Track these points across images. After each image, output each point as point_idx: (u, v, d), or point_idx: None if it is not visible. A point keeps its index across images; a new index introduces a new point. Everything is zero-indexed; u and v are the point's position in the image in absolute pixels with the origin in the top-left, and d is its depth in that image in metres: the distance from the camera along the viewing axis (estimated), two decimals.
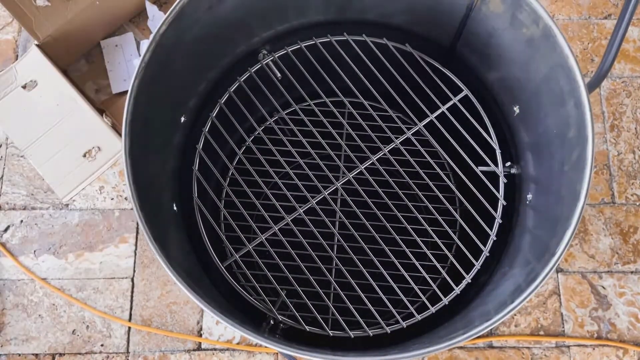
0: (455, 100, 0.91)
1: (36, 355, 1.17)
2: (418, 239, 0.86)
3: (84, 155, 1.23)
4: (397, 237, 0.86)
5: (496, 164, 0.90)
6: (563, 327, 1.17)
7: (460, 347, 1.16)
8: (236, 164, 0.99)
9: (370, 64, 0.90)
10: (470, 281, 0.85)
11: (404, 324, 0.83)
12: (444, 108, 0.91)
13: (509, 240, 0.87)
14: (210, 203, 0.91)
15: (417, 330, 0.84)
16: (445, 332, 0.73)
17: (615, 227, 1.23)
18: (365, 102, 0.92)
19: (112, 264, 1.21)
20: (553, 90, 0.75)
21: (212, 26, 0.82)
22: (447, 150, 0.93)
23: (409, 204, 0.88)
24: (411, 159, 0.89)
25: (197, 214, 0.88)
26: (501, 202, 0.88)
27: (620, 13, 0.76)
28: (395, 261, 0.85)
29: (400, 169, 0.89)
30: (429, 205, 0.88)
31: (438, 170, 0.90)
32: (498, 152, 0.90)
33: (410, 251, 0.86)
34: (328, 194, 0.89)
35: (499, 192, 0.88)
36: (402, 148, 0.90)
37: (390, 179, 0.90)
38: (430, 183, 0.89)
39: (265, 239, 0.87)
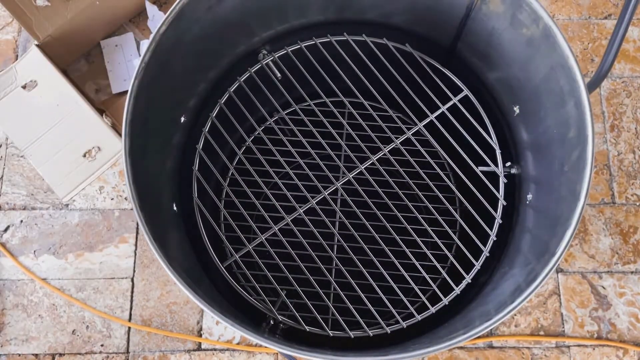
0: (455, 100, 0.91)
1: (36, 355, 1.17)
2: (418, 239, 0.86)
3: (84, 155, 1.23)
4: (397, 237, 0.86)
5: (496, 164, 0.90)
6: (563, 327, 1.17)
7: (460, 347, 1.16)
8: (236, 164, 0.99)
9: (370, 64, 0.90)
10: (470, 281, 0.85)
11: (404, 324, 0.83)
12: (444, 108, 0.91)
13: (509, 241, 0.87)
14: (210, 203, 0.91)
15: (417, 330, 0.84)
16: (445, 332, 0.73)
17: (615, 227, 1.23)
18: (365, 102, 0.92)
19: (112, 264, 1.21)
20: (553, 90, 0.75)
21: (212, 26, 0.82)
22: (447, 150, 0.93)
23: (409, 204, 0.88)
24: (411, 159, 0.89)
25: (197, 214, 0.88)
26: (501, 202, 0.88)
27: (620, 13, 0.75)
28: (395, 261, 0.85)
29: (400, 169, 0.89)
30: (429, 205, 0.88)
31: (438, 170, 0.90)
32: (498, 152, 0.90)
33: (410, 251, 0.86)
34: (328, 194, 0.89)
35: (499, 192, 0.88)
36: (402, 148, 0.90)
37: (390, 179, 0.90)
38: (430, 183, 0.89)
39: (265, 239, 0.87)
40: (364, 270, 0.85)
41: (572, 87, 0.71)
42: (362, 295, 0.84)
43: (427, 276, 0.85)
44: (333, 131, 0.92)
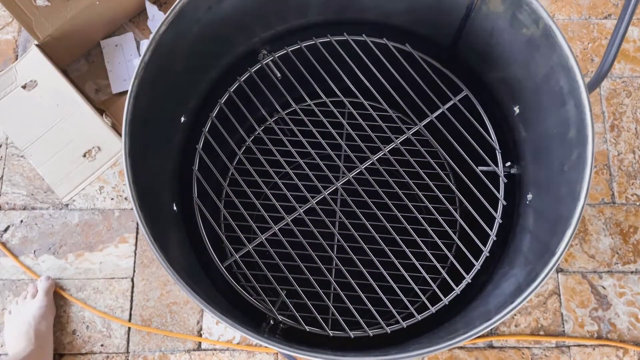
0: (455, 100, 0.91)
1: None
2: (418, 239, 0.86)
3: (84, 155, 1.23)
4: (397, 237, 0.86)
5: (496, 164, 0.90)
6: (563, 327, 1.17)
7: (460, 347, 1.16)
8: (236, 164, 0.99)
9: (370, 64, 0.90)
10: (470, 281, 0.85)
11: (404, 324, 0.83)
12: (444, 108, 0.91)
13: (509, 240, 0.87)
14: (210, 203, 0.91)
15: (417, 330, 0.84)
16: (445, 332, 0.73)
17: (615, 227, 1.23)
18: (365, 102, 0.92)
19: (112, 264, 1.21)
20: (553, 90, 0.75)
21: (212, 26, 0.82)
22: (447, 150, 0.93)
23: (409, 204, 0.88)
24: (411, 159, 0.89)
25: (197, 214, 0.88)
26: (501, 202, 0.88)
27: (620, 13, 0.75)
28: (395, 261, 0.85)
29: (400, 169, 0.89)
30: (429, 205, 0.88)
31: (438, 170, 0.90)
32: (498, 152, 0.90)
33: (410, 251, 0.86)
34: (328, 194, 0.89)
35: (499, 192, 0.88)
36: (402, 148, 0.90)
37: (390, 179, 0.90)
38: (430, 183, 0.89)
39: (265, 239, 0.87)
40: (364, 270, 0.85)
41: (572, 87, 0.71)
42: (362, 295, 0.84)
43: (427, 276, 0.85)
44: (333, 131, 0.92)
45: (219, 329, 1.18)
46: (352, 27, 0.93)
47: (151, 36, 0.74)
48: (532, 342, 1.16)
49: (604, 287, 1.19)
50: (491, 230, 0.87)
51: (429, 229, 0.86)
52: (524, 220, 0.85)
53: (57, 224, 1.24)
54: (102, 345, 1.17)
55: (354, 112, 0.93)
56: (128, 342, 1.17)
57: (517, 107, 0.86)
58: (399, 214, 0.88)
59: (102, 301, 1.19)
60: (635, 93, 1.32)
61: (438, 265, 0.85)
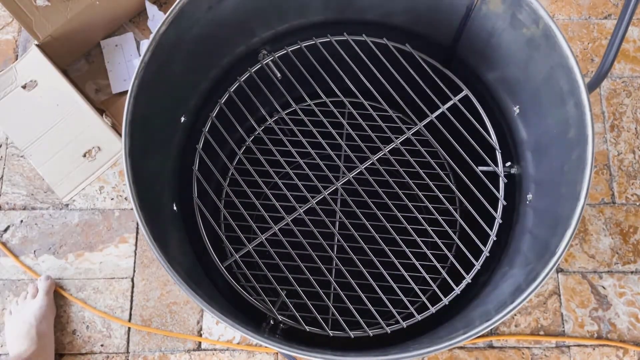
0: (455, 100, 0.91)
1: None
2: (418, 239, 0.86)
3: (84, 155, 1.23)
4: (397, 237, 0.86)
5: (496, 164, 0.90)
6: (563, 327, 1.17)
7: (460, 347, 1.16)
8: (236, 164, 0.99)
9: (370, 64, 0.90)
10: (470, 281, 0.85)
11: (404, 324, 0.83)
12: (444, 108, 0.91)
13: (509, 240, 0.87)
14: (210, 203, 0.91)
15: (417, 330, 0.84)
16: (445, 332, 0.73)
17: (615, 227, 1.23)
18: (365, 102, 0.92)
19: (112, 264, 1.21)
20: (553, 90, 0.75)
21: (212, 26, 0.82)
22: (447, 150, 0.93)
23: (409, 204, 0.88)
24: (411, 159, 0.89)
25: (197, 214, 0.88)
26: (501, 202, 0.88)
27: (620, 13, 0.76)
28: (395, 261, 0.85)
29: (400, 169, 0.89)
30: (429, 205, 0.88)
31: (438, 170, 0.90)
32: (498, 152, 0.90)
33: (410, 251, 0.86)
34: (328, 194, 0.89)
35: (499, 192, 0.88)
36: (402, 148, 0.90)
37: (390, 179, 0.90)
38: (430, 183, 0.89)
39: (265, 239, 0.87)
40: (364, 270, 0.85)
41: (572, 87, 0.71)
42: (362, 295, 0.84)
43: (427, 276, 0.85)
44: (333, 131, 0.92)
45: (219, 329, 1.18)
46: (352, 27, 0.93)
47: (151, 36, 0.74)
48: (532, 342, 1.16)
49: (604, 287, 1.19)
50: (491, 230, 0.87)
51: (429, 229, 0.86)
52: (524, 220, 0.85)
53: (57, 224, 1.24)
54: (102, 345, 1.17)
55: (354, 112, 0.93)
56: (128, 342, 1.17)
57: (517, 107, 0.86)
58: (399, 214, 0.88)
59: (102, 301, 1.19)
60: (635, 93, 1.32)
61: (438, 265, 0.85)
